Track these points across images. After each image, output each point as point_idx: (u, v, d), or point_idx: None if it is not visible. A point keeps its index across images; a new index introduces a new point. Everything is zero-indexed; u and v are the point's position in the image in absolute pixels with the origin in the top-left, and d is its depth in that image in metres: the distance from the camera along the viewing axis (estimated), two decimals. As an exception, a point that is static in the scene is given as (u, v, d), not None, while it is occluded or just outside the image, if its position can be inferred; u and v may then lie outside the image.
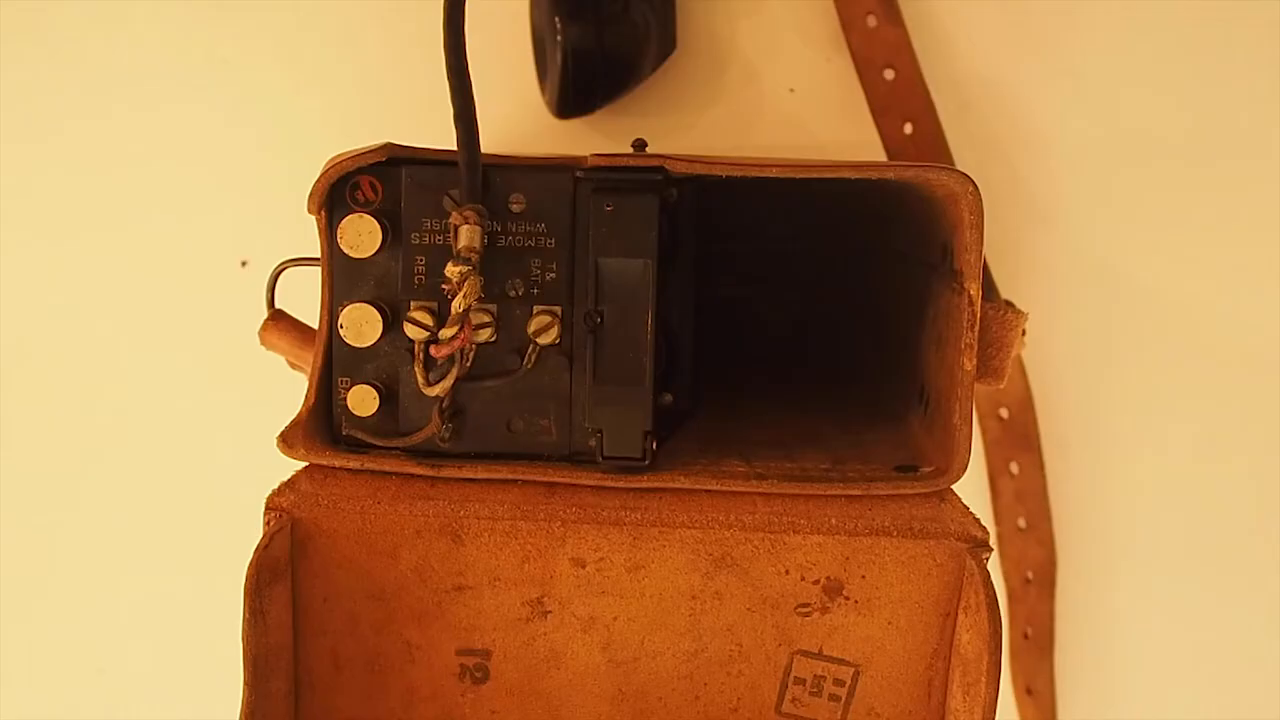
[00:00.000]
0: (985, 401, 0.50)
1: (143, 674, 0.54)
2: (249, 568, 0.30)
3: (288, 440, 0.32)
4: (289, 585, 0.32)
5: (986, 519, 0.50)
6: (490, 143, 0.32)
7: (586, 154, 0.32)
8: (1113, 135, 0.48)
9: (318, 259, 0.33)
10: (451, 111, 0.30)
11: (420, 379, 0.32)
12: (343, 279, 0.33)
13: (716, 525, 0.31)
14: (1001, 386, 0.34)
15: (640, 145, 0.38)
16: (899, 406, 0.39)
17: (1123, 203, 0.48)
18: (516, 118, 0.48)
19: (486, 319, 0.32)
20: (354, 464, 0.32)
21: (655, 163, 0.32)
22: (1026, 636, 0.51)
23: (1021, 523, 0.51)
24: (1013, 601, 0.51)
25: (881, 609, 0.32)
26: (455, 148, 0.31)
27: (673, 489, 0.32)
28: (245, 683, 0.30)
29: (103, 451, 0.52)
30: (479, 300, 0.31)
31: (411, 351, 0.32)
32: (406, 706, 0.32)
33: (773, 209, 0.49)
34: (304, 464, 0.33)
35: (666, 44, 0.45)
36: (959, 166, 0.45)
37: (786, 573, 0.32)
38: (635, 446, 0.32)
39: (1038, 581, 0.51)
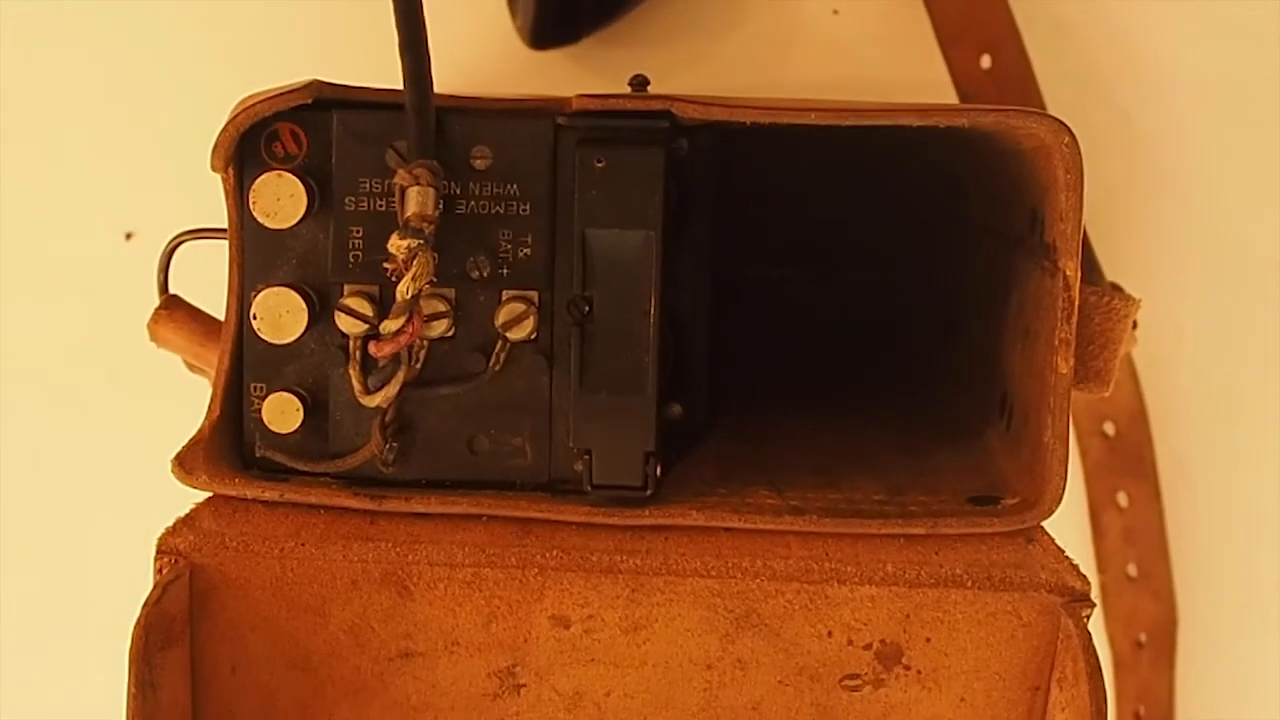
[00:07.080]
0: (1086, 414, 0.50)
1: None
2: (135, 628, 0.30)
3: (185, 464, 0.32)
4: (187, 651, 0.32)
5: (1087, 565, 0.50)
6: (447, 80, 0.32)
7: (571, 95, 0.32)
8: (1254, 69, 0.48)
9: (224, 230, 0.33)
10: (396, 39, 0.30)
11: (357, 385, 0.32)
12: (257, 256, 0.33)
13: (739, 574, 0.31)
14: (1106, 394, 0.34)
15: (641, 83, 0.38)
16: (974, 420, 0.39)
17: (1266, 158, 0.48)
18: (481, 48, 0.48)
19: (442, 308, 0.32)
20: (271, 494, 0.32)
21: (660, 106, 0.32)
22: (1139, 717, 0.51)
23: (1132, 570, 0.51)
24: (1120, 672, 0.51)
25: (952, 682, 0.32)
26: (401, 86, 0.31)
27: (683, 526, 0.32)
28: (131, 777, 0.30)
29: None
30: (432, 284, 0.31)
31: (345, 350, 0.32)
32: (338, 808, 0.33)
33: (812, 167, 0.49)
34: (207, 494, 0.33)
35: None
36: (1051, 111, 0.45)
37: (829, 635, 0.32)
38: (635, 472, 0.32)
39: (1153, 646, 0.51)
